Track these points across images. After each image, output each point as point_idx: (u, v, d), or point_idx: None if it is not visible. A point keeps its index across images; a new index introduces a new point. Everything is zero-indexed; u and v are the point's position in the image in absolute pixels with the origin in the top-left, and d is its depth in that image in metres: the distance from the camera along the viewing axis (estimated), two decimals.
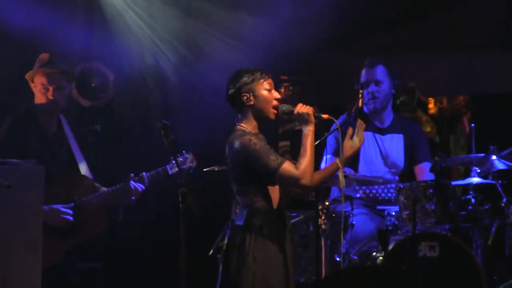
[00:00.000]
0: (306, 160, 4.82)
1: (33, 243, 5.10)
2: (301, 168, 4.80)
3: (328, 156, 6.49)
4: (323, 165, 5.93)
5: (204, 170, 6.38)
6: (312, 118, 4.91)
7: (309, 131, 4.89)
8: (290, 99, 8.72)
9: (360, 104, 6.52)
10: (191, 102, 7.81)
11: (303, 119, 4.91)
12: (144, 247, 7.75)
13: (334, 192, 6.69)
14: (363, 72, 6.68)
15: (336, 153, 6.62)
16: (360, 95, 6.51)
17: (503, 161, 6.43)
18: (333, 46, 8.39)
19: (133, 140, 7.73)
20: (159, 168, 6.10)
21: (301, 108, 4.92)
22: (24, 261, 5.06)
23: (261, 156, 4.79)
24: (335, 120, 5.05)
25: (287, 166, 4.79)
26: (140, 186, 6.07)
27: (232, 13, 7.65)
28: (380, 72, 6.65)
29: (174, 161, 5.91)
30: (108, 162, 7.60)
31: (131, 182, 6.07)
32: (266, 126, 5.10)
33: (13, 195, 4.98)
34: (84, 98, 7.51)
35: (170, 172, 6.09)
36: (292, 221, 6.30)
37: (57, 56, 6.34)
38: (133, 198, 6.08)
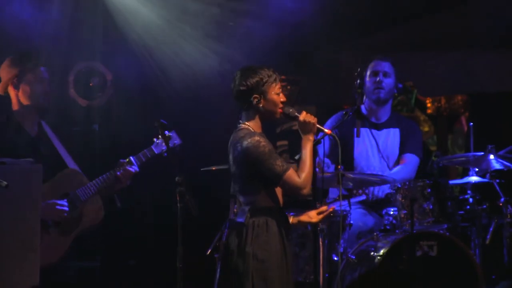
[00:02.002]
0: (307, 169, 4.86)
1: (31, 242, 5.10)
2: (303, 177, 4.84)
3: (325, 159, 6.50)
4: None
5: (202, 169, 6.39)
6: (315, 129, 4.95)
7: (309, 140, 4.92)
8: (288, 99, 8.72)
9: (357, 104, 6.56)
10: (189, 102, 7.81)
11: (306, 128, 4.94)
12: (141, 246, 7.75)
13: (333, 192, 6.70)
14: (372, 64, 6.73)
15: (331, 158, 6.62)
16: (357, 95, 6.54)
17: (501, 160, 6.43)
18: (331, 45, 8.38)
19: (131, 140, 7.72)
20: (145, 150, 6.13)
21: (306, 117, 4.94)
22: (22, 260, 5.06)
23: (268, 160, 4.79)
24: (336, 138, 5.13)
25: (291, 174, 4.82)
26: (133, 168, 6.09)
27: (230, 13, 7.64)
28: (389, 66, 6.72)
29: (158, 140, 6.00)
30: (106, 162, 7.60)
31: (122, 168, 6.09)
32: (264, 125, 5.10)
33: (11, 194, 4.98)
34: (82, 97, 7.51)
35: (156, 151, 6.12)
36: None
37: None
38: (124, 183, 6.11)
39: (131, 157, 6.12)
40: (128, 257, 7.71)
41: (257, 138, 4.82)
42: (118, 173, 6.06)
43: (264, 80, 4.86)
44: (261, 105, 4.88)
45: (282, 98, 4.94)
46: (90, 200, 6.01)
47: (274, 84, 4.89)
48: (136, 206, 7.56)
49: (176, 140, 6.14)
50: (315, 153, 5.08)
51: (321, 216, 5.10)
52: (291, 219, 5.06)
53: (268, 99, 4.88)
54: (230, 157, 4.91)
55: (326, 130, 5.04)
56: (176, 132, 6.17)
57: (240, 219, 4.88)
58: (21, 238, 5.06)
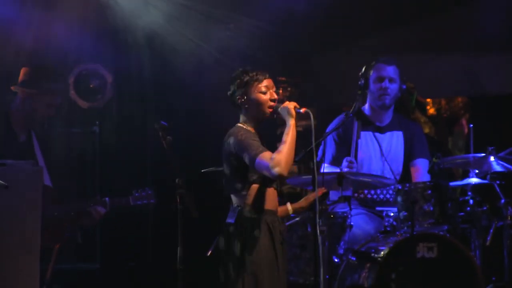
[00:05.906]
0: (283, 150, 4.84)
1: (31, 244, 5.11)
2: (276, 157, 4.81)
3: (326, 165, 6.50)
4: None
5: (202, 171, 6.39)
6: (293, 112, 4.97)
7: (290, 124, 4.94)
8: (288, 100, 8.71)
9: (358, 105, 6.54)
10: (190, 103, 7.81)
11: (285, 113, 4.98)
12: (141, 248, 7.74)
13: (333, 194, 6.68)
14: (376, 67, 6.63)
15: (333, 162, 6.60)
16: (359, 96, 6.52)
17: (501, 162, 6.43)
18: (331, 47, 8.39)
19: (131, 142, 7.73)
20: (122, 198, 6.25)
21: (285, 103, 5.01)
22: (22, 261, 5.07)
23: (244, 145, 4.87)
24: (311, 113, 5.02)
25: (265, 154, 4.83)
26: (102, 210, 6.18)
27: (231, 14, 7.65)
28: (394, 71, 6.64)
29: (137, 194, 6.26)
30: (106, 164, 7.60)
31: (95, 206, 6.16)
32: (265, 127, 5.11)
33: (11, 196, 4.99)
34: (82, 99, 7.53)
35: (131, 203, 6.26)
36: (290, 222, 6.31)
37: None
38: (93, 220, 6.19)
39: (106, 199, 6.21)
40: (128, 259, 7.71)
41: (238, 129, 4.97)
42: (91, 208, 6.12)
43: (245, 81, 5.01)
44: (246, 105, 5.02)
45: (271, 95, 5.03)
46: (57, 220, 6.03)
47: (256, 83, 5.01)
48: (135, 208, 7.55)
49: (152, 199, 6.29)
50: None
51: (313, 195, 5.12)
52: (290, 206, 5.19)
53: (251, 98, 5.01)
54: (222, 156, 5.03)
55: (301, 110, 5.02)
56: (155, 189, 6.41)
57: (230, 220, 4.95)
58: (21, 239, 5.07)
